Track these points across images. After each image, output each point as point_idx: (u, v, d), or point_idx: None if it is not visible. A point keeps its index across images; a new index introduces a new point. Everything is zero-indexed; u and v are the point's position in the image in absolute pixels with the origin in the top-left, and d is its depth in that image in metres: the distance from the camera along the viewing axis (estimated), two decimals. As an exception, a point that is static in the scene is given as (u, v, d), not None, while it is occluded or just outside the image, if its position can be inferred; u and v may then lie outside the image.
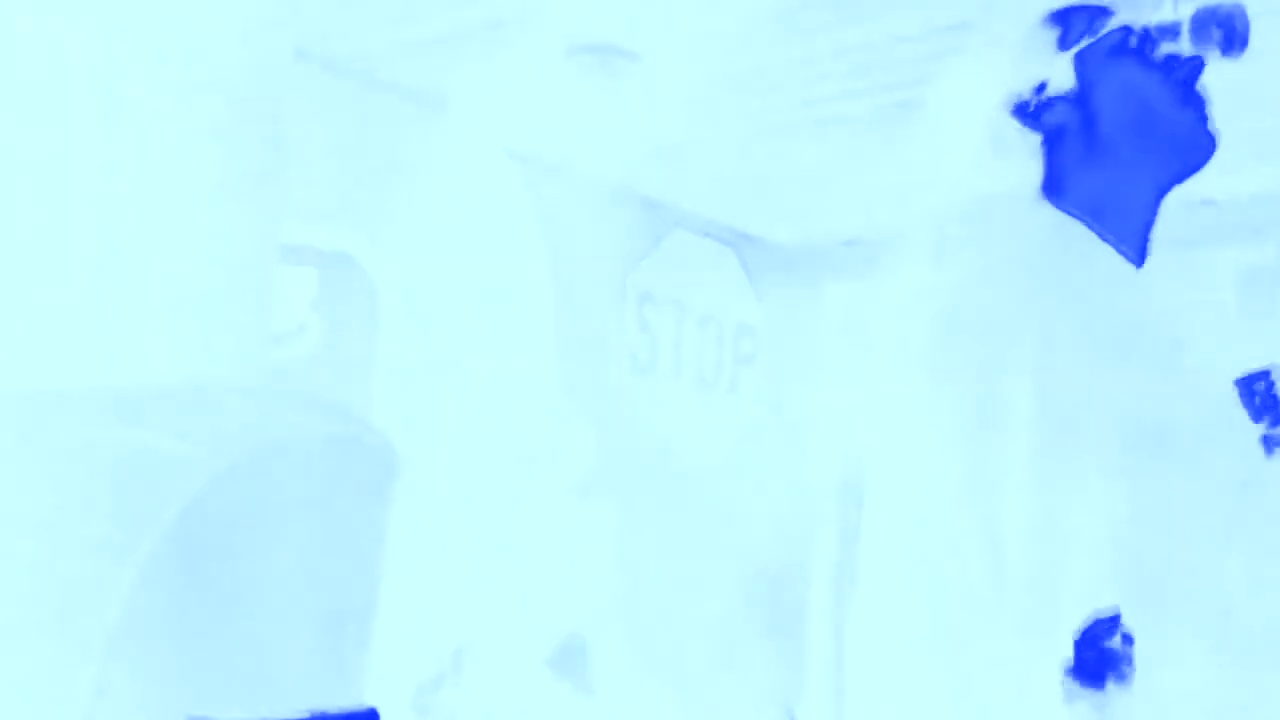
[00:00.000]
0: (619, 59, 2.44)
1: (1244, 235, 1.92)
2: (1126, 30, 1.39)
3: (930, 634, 1.26)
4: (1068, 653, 1.25)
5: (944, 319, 1.34)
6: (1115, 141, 1.40)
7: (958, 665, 1.30)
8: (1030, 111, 1.44)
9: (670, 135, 2.86)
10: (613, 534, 2.83)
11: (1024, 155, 1.46)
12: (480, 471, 2.42)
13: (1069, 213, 1.39)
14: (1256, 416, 1.37)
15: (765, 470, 3.50)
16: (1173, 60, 1.38)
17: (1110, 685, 1.21)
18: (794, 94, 2.65)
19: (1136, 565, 1.29)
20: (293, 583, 1.81)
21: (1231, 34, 1.48)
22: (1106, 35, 1.40)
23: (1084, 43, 1.41)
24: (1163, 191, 1.40)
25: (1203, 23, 1.52)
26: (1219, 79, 1.64)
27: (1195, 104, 1.39)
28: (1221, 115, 1.52)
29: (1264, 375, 1.42)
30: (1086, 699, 1.22)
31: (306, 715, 1.72)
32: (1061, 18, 1.44)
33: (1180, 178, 1.41)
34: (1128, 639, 1.22)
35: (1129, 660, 1.22)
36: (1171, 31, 1.40)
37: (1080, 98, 1.41)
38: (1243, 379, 1.40)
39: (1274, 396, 1.40)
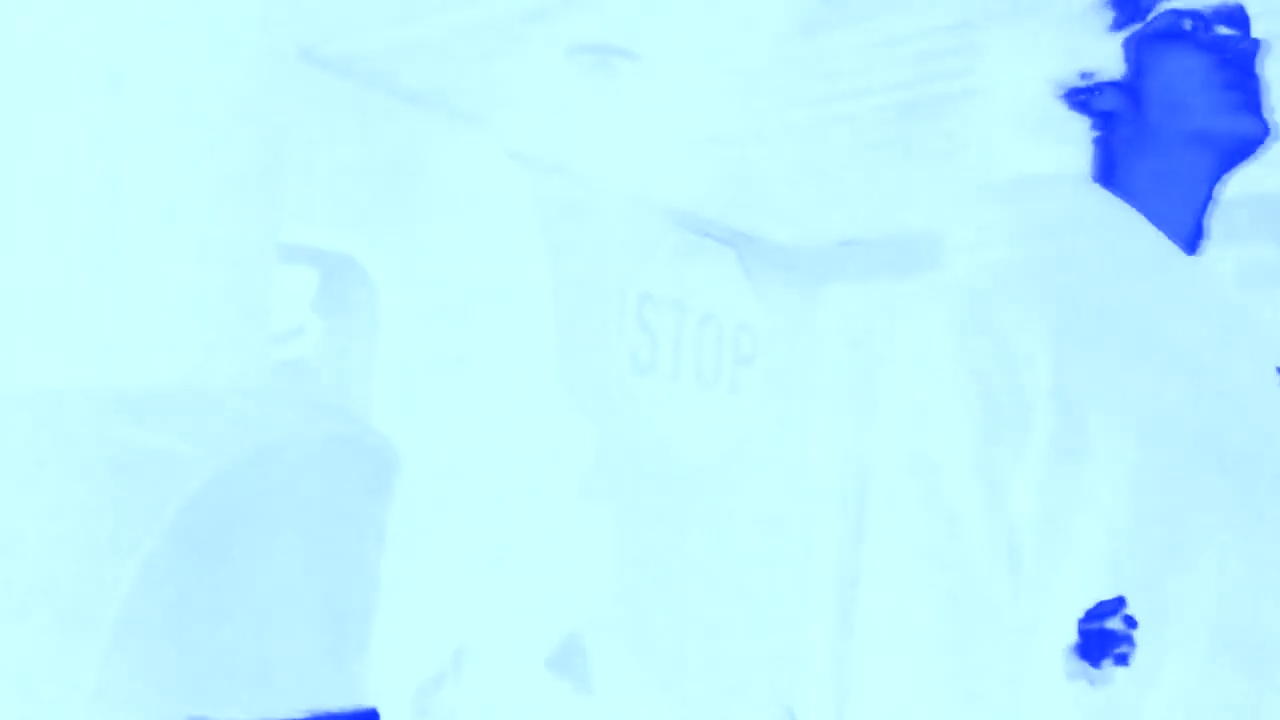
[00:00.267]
0: (619, 59, 2.44)
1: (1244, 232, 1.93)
2: (1179, 13, 1.39)
3: (939, 634, 1.26)
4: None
5: (975, 311, 1.34)
6: (1168, 127, 1.40)
7: (965, 665, 1.30)
8: (1081, 97, 1.44)
9: (671, 134, 2.86)
10: (613, 534, 2.83)
11: (1072, 141, 1.46)
12: (480, 471, 2.42)
13: (1121, 198, 1.39)
14: None
15: (765, 470, 3.50)
16: (1228, 42, 1.38)
17: (1108, 665, 1.22)
18: (804, 92, 2.65)
19: (1147, 564, 1.30)
20: (292, 583, 1.81)
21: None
22: (1158, 18, 1.40)
23: (1136, 26, 1.41)
24: (1217, 178, 1.40)
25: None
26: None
27: (1250, 88, 1.39)
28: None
29: None
30: (1085, 676, 1.23)
31: (306, 715, 1.72)
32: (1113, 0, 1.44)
33: (1234, 163, 1.42)
34: (1130, 621, 1.22)
35: (1129, 642, 1.22)
36: (1228, 15, 1.40)
37: (1132, 83, 1.41)
38: None
39: None
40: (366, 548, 1.84)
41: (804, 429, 3.66)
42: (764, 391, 3.62)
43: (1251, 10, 1.43)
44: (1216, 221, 1.44)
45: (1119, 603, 1.20)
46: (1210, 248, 1.42)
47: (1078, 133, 1.42)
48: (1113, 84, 1.42)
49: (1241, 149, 1.39)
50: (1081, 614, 1.21)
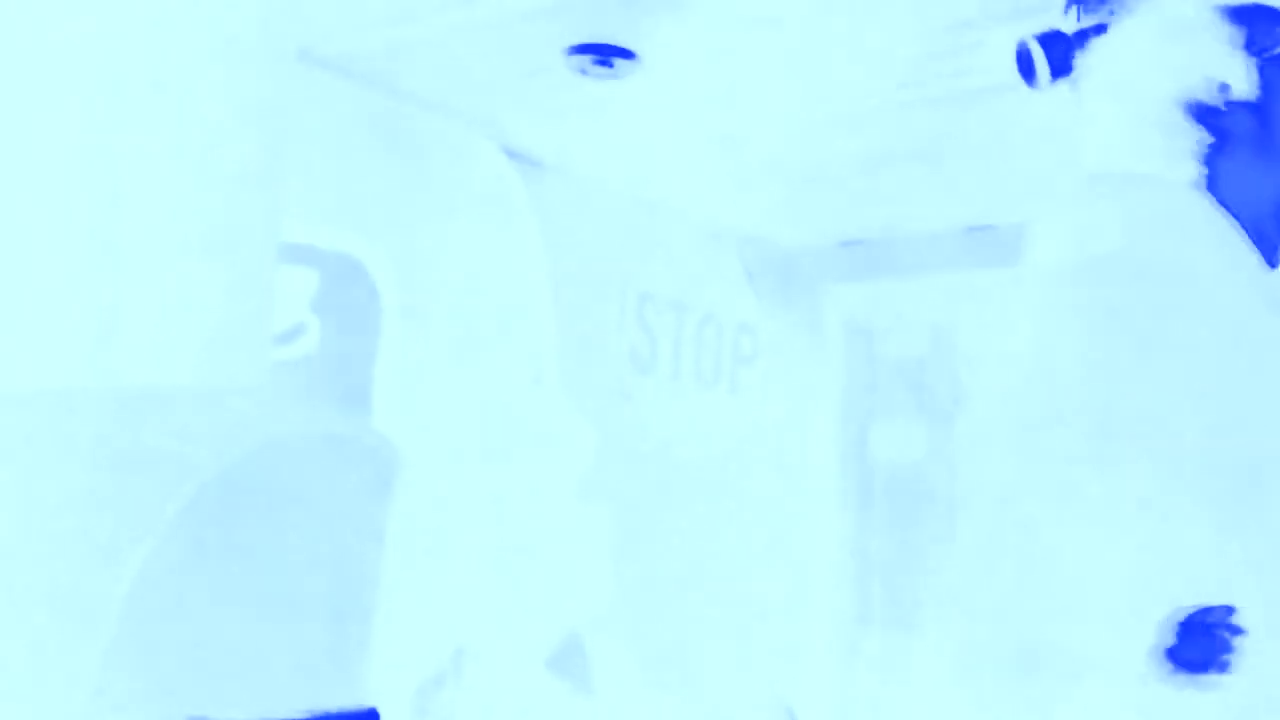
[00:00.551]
0: (619, 59, 2.44)
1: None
2: None
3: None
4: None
5: (1055, 307, 1.33)
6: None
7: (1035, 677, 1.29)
8: (1207, 113, 1.44)
9: (673, 135, 2.86)
10: (612, 534, 2.83)
11: (1181, 149, 1.46)
12: (480, 471, 2.42)
13: (1225, 211, 1.40)
14: None
15: (765, 470, 3.50)
16: None
17: (1211, 673, 1.21)
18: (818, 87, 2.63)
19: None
20: (293, 582, 1.81)
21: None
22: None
23: (1274, 49, 1.41)
24: None
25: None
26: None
27: None
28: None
29: None
30: (1182, 682, 1.21)
31: (306, 715, 1.72)
32: (1244, 16, 1.44)
33: None
34: (1236, 630, 1.21)
35: (1234, 650, 1.21)
36: None
37: (1262, 106, 1.42)
38: None
39: None
40: (366, 548, 1.84)
41: (804, 429, 3.66)
42: (764, 391, 3.62)
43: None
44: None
45: (1228, 610, 1.19)
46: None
47: (1188, 142, 1.42)
48: (1241, 104, 1.42)
49: None
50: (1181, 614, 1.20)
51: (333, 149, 2.47)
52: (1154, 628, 1.19)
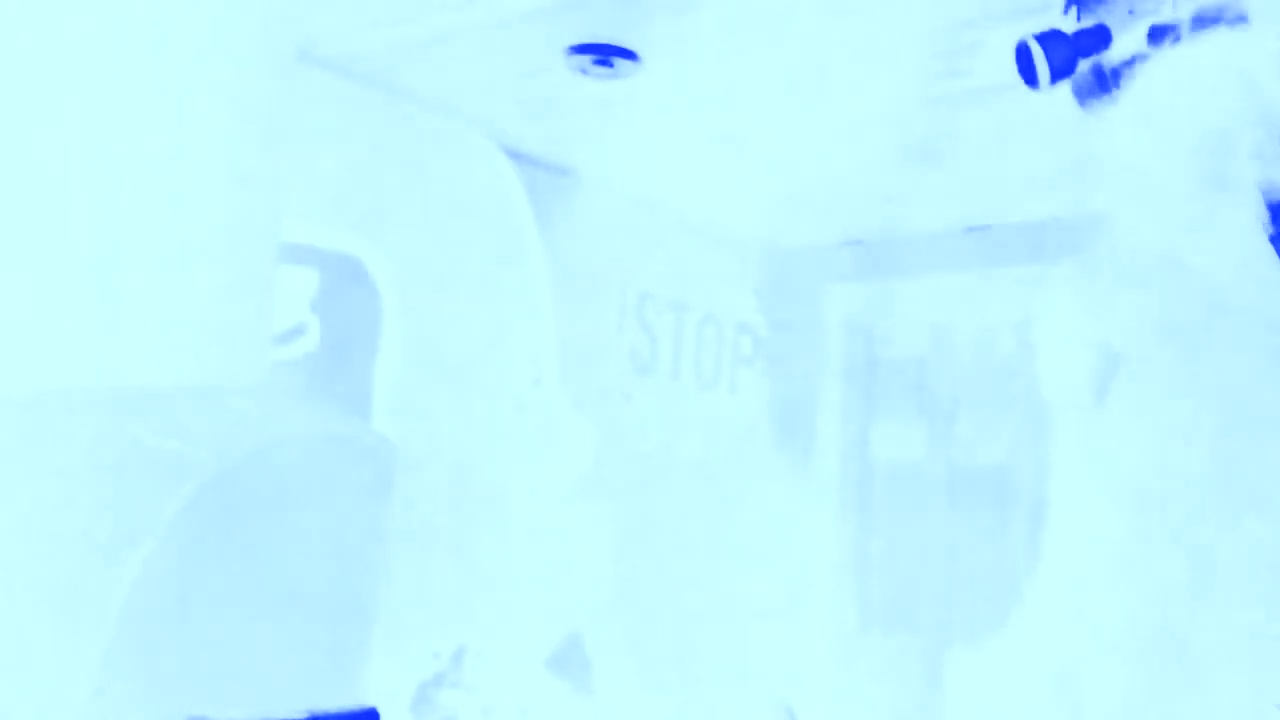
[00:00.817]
0: (620, 59, 2.44)
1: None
2: None
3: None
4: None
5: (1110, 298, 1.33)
6: None
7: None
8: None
9: (673, 135, 2.86)
10: (612, 534, 2.83)
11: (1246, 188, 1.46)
12: (480, 471, 2.42)
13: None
14: None
15: (765, 470, 3.50)
16: None
17: None
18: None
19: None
20: (293, 582, 1.81)
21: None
22: None
23: None
24: None
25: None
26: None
27: None
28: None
29: None
30: None
31: (306, 715, 1.72)
32: None
33: None
34: None
35: None
36: None
37: None
38: None
39: None
40: (366, 548, 1.84)
41: (804, 429, 3.66)
42: (764, 391, 3.62)
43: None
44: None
45: None
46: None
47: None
48: None
49: None
50: None
51: (333, 149, 2.47)
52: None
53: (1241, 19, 1.52)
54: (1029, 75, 1.65)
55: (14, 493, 1.84)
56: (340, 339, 2.18)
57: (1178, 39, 1.53)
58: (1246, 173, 1.44)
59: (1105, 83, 1.57)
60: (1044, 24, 1.71)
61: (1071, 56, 1.63)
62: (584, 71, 2.48)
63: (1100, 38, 1.64)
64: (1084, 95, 1.61)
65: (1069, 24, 1.67)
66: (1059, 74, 1.64)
